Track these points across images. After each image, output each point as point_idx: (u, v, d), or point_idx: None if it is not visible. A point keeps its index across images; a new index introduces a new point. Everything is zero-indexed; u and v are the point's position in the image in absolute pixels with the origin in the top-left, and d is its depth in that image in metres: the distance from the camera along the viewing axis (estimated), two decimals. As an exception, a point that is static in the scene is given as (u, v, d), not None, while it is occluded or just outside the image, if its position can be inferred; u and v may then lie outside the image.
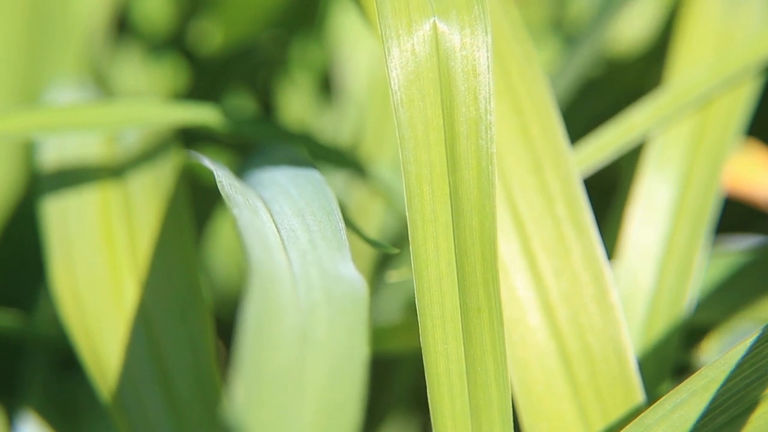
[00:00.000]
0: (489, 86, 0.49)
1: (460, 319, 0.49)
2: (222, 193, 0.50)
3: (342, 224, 0.49)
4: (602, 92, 0.81)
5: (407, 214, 0.49)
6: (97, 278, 0.59)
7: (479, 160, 0.49)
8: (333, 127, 0.82)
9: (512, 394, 0.54)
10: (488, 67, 0.49)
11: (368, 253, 0.76)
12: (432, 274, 0.49)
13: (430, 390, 0.49)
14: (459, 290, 0.49)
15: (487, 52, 0.49)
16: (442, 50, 0.49)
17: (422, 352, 0.49)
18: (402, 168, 0.48)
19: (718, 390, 0.50)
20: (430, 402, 0.49)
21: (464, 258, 0.49)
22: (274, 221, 0.50)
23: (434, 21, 0.49)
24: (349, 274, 0.46)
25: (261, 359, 0.40)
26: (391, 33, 0.48)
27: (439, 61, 0.49)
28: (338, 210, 0.50)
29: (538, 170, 0.55)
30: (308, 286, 0.45)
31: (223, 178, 0.52)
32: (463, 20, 0.49)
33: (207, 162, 0.54)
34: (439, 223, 0.49)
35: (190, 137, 0.74)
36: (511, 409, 0.50)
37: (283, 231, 0.49)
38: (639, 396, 0.54)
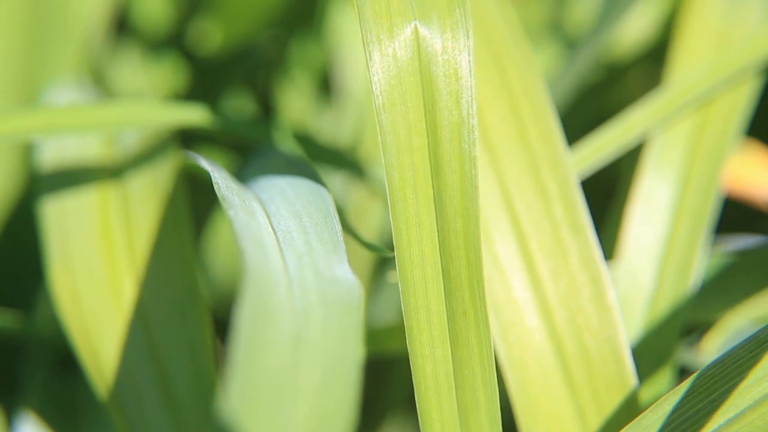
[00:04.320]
0: (471, 90, 0.49)
1: (446, 322, 0.49)
2: (218, 195, 0.50)
3: (339, 226, 0.49)
4: (602, 93, 0.81)
5: (391, 218, 0.48)
6: (96, 278, 0.59)
7: (462, 163, 0.49)
8: (332, 127, 0.82)
9: (509, 395, 0.54)
10: (470, 71, 0.49)
11: (367, 254, 0.76)
12: (417, 277, 0.49)
13: (418, 393, 0.49)
14: (445, 294, 0.49)
15: (469, 55, 0.49)
16: (424, 54, 0.49)
17: (409, 355, 0.49)
18: (385, 173, 0.48)
19: (718, 390, 0.50)
20: (418, 405, 0.49)
21: (449, 261, 0.49)
22: (270, 223, 0.50)
23: (415, 25, 0.49)
24: (345, 276, 0.46)
25: (255, 361, 0.40)
26: (372, 37, 0.48)
27: (420, 66, 0.49)
28: (335, 212, 0.50)
29: (535, 172, 0.55)
30: (303, 288, 0.45)
31: (220, 179, 0.52)
32: (445, 24, 0.49)
33: (204, 163, 0.54)
34: (424, 227, 0.49)
35: (189, 138, 0.74)
36: (499, 410, 0.50)
37: (280, 233, 0.49)
38: (636, 396, 0.54)
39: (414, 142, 0.49)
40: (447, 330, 0.49)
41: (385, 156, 0.48)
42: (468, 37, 0.49)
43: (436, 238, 0.49)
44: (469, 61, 0.49)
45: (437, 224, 0.49)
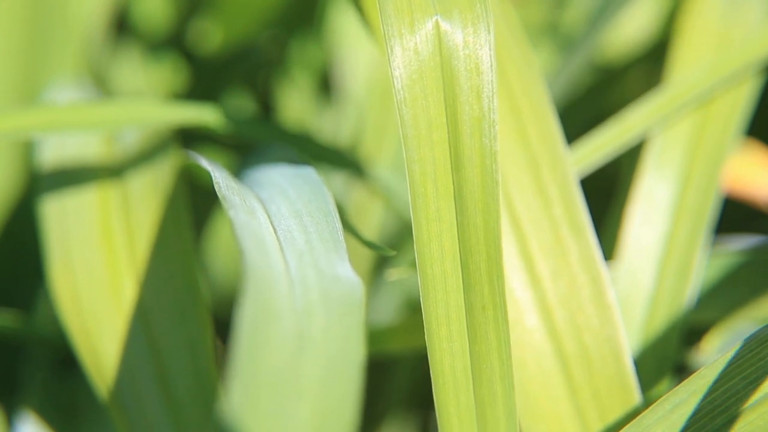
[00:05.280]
0: (492, 84, 0.49)
1: (465, 317, 0.49)
2: (219, 194, 0.50)
3: (339, 225, 0.49)
4: (601, 93, 0.81)
5: (411, 213, 0.49)
6: (96, 278, 0.59)
7: (483, 158, 0.49)
8: (332, 127, 0.82)
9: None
10: (491, 66, 0.49)
11: (367, 252, 0.76)
12: (437, 272, 0.49)
13: (436, 387, 0.49)
14: (464, 288, 0.49)
15: (490, 50, 0.49)
16: (445, 49, 0.49)
17: (427, 349, 0.49)
18: (406, 167, 0.48)
19: (718, 389, 0.50)
20: (436, 399, 0.49)
21: (469, 256, 0.49)
22: (271, 222, 0.50)
23: (437, 20, 0.49)
24: (346, 275, 0.46)
25: (257, 361, 0.40)
26: (393, 32, 0.48)
27: (441, 60, 0.49)
28: (336, 211, 0.50)
29: (535, 171, 0.55)
30: (305, 287, 0.45)
31: (221, 178, 0.52)
32: (466, 19, 0.49)
33: (204, 162, 0.54)
34: (444, 222, 0.49)
35: (189, 137, 0.74)
36: (515, 405, 0.50)
37: (281, 232, 0.49)
38: (636, 396, 0.54)
39: (435, 137, 0.49)
40: (465, 324, 0.49)
41: (406, 150, 0.48)
42: (489, 32, 0.49)
43: (456, 232, 0.49)
44: (490, 56, 0.49)
45: (457, 219, 0.49)
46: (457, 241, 0.49)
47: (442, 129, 0.49)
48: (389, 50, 0.48)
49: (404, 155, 0.48)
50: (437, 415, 0.49)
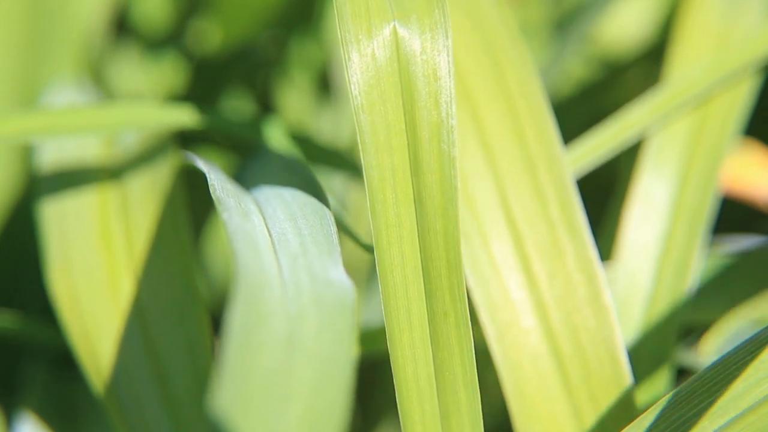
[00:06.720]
0: (450, 90, 0.49)
1: (427, 323, 0.49)
2: (213, 197, 0.50)
3: (334, 228, 0.49)
4: (602, 93, 0.81)
5: (370, 219, 0.48)
6: (95, 279, 0.60)
7: (442, 164, 0.49)
8: (331, 127, 0.82)
9: (506, 396, 0.54)
10: (449, 71, 0.49)
11: (364, 254, 0.76)
12: (398, 279, 0.49)
13: (399, 395, 0.49)
14: (425, 295, 0.49)
15: (448, 56, 0.49)
16: (403, 55, 0.49)
17: (390, 357, 0.49)
18: (364, 173, 0.48)
19: (718, 391, 0.50)
20: (400, 407, 0.49)
21: (429, 263, 0.49)
22: (266, 225, 0.50)
23: (394, 25, 0.48)
24: (339, 278, 0.46)
25: (247, 363, 0.40)
26: (350, 38, 0.48)
27: (399, 66, 0.49)
28: (330, 214, 0.50)
29: (532, 172, 0.55)
30: (297, 290, 0.45)
31: (216, 180, 0.52)
32: (424, 24, 0.49)
33: (201, 164, 0.55)
34: (404, 228, 0.49)
35: (188, 138, 0.74)
36: (480, 412, 0.49)
37: (275, 235, 0.49)
38: (632, 396, 0.54)
39: (393, 143, 0.48)
40: (428, 332, 0.49)
41: (365, 156, 0.48)
42: (447, 38, 0.49)
43: (417, 238, 0.49)
44: (448, 62, 0.49)
45: (417, 225, 0.49)
46: (417, 247, 0.49)
47: (401, 135, 0.49)
48: (346, 56, 0.48)
49: (362, 161, 0.48)
50: (401, 422, 0.49)
